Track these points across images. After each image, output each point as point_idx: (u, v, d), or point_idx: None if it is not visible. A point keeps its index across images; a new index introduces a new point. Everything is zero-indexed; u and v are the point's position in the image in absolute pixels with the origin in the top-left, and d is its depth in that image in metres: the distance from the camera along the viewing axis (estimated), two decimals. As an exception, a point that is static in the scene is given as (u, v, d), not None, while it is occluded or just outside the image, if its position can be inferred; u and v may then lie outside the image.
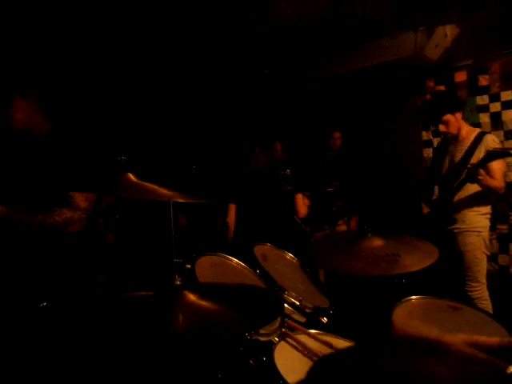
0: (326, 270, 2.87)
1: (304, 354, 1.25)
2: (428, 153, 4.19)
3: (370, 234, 1.58)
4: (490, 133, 2.69)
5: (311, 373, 0.70)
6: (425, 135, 4.23)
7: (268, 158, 3.02)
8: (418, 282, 1.71)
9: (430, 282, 2.81)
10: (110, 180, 1.28)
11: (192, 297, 1.01)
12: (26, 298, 1.38)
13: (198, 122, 3.97)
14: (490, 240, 3.21)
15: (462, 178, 2.52)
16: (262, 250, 1.83)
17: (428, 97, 4.12)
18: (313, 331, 1.38)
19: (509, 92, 3.60)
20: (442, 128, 2.62)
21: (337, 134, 4.03)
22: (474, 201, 2.56)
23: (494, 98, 3.67)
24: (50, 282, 1.57)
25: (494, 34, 3.52)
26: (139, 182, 1.24)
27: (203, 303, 1.00)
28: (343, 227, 3.57)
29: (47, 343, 1.18)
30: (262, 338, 1.25)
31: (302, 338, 1.33)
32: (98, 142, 1.82)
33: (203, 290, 1.10)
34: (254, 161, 3.08)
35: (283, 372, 1.09)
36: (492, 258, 3.16)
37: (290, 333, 1.34)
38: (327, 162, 4.05)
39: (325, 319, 1.55)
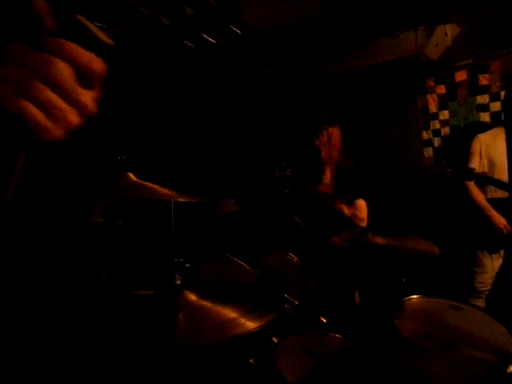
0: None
1: (304, 354, 1.25)
2: (428, 152, 4.18)
3: (370, 234, 1.59)
4: None
5: (311, 373, 0.70)
6: (425, 134, 4.23)
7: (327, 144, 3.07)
8: (419, 282, 1.72)
9: (431, 282, 2.83)
10: (109, 180, 1.28)
11: (192, 296, 1.01)
12: (26, 297, 1.38)
13: (199, 123, 3.97)
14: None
15: None
16: (263, 249, 1.83)
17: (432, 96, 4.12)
18: (313, 331, 1.38)
19: (509, 91, 3.60)
20: None
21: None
22: None
23: (495, 97, 3.67)
24: (50, 281, 1.57)
25: (495, 34, 3.51)
26: (139, 181, 1.24)
27: (203, 303, 1.00)
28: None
29: (48, 342, 1.18)
30: (262, 338, 1.25)
31: (302, 337, 1.33)
32: (97, 141, 1.83)
33: (203, 290, 1.10)
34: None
35: (283, 372, 1.09)
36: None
37: (290, 333, 1.34)
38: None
39: (325, 319, 1.55)
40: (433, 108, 4.12)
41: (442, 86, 4.04)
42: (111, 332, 0.90)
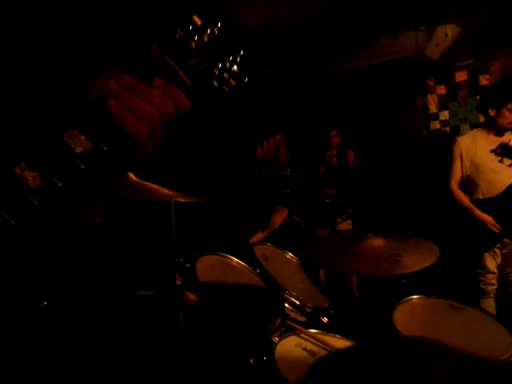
0: (326, 269, 2.88)
1: (304, 354, 1.25)
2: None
3: (370, 234, 1.58)
4: None
5: (311, 372, 0.70)
6: (425, 135, 4.23)
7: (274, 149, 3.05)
8: (419, 282, 1.72)
9: (431, 282, 2.82)
10: (109, 179, 1.28)
11: (192, 297, 1.01)
12: (26, 298, 1.38)
13: (199, 122, 3.96)
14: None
15: None
16: (263, 249, 1.83)
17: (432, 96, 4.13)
18: (313, 331, 1.38)
19: (509, 91, 3.60)
20: None
21: (333, 132, 4.02)
22: None
23: (495, 97, 3.67)
24: (50, 281, 1.57)
25: (495, 34, 3.51)
26: (139, 181, 1.24)
27: (203, 303, 1.00)
28: (343, 225, 3.57)
29: (47, 343, 1.18)
30: (262, 338, 1.25)
31: (302, 337, 1.33)
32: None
33: (203, 290, 1.10)
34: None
35: (283, 372, 1.09)
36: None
37: (290, 332, 1.34)
38: (326, 169, 4.05)
39: (325, 319, 1.55)
40: (433, 108, 4.12)
41: (443, 87, 4.04)
42: (111, 332, 0.90)
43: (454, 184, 2.73)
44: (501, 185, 2.59)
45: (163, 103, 0.56)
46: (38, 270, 1.58)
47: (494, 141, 2.65)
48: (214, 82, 0.65)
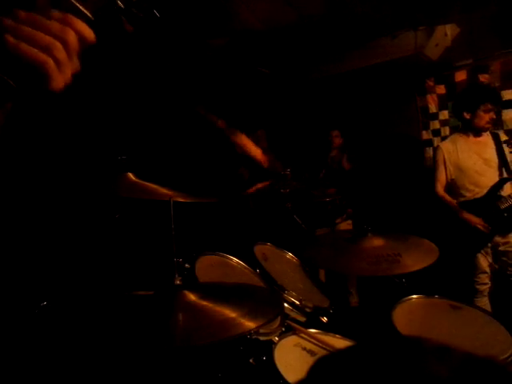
0: (326, 269, 2.88)
1: (304, 354, 1.25)
2: (428, 152, 4.18)
3: (370, 234, 1.58)
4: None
5: (311, 372, 0.70)
6: (425, 134, 4.23)
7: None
8: (418, 281, 1.72)
9: (430, 282, 2.82)
10: (109, 179, 1.28)
11: (192, 296, 1.01)
12: (26, 298, 1.38)
13: (198, 121, 3.96)
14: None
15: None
16: (262, 249, 1.83)
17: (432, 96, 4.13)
18: (313, 331, 1.38)
19: (509, 91, 3.60)
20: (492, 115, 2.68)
21: (335, 133, 4.02)
22: None
23: (494, 97, 3.67)
24: (50, 281, 1.57)
25: (494, 33, 3.51)
26: (139, 181, 1.24)
27: (203, 303, 1.00)
28: (343, 225, 3.57)
29: (47, 343, 1.18)
30: (261, 338, 1.25)
31: (302, 337, 1.33)
32: (98, 141, 1.82)
33: (203, 290, 1.10)
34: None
35: (283, 372, 1.09)
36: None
37: (289, 332, 1.34)
38: (326, 170, 4.05)
39: (325, 319, 1.55)
40: (433, 108, 4.12)
41: (442, 86, 4.04)
42: (110, 332, 0.90)
43: (440, 188, 2.81)
44: (486, 185, 2.66)
45: (62, 32, 0.57)
46: (38, 270, 1.58)
47: (473, 142, 2.74)
48: (122, 16, 0.66)
